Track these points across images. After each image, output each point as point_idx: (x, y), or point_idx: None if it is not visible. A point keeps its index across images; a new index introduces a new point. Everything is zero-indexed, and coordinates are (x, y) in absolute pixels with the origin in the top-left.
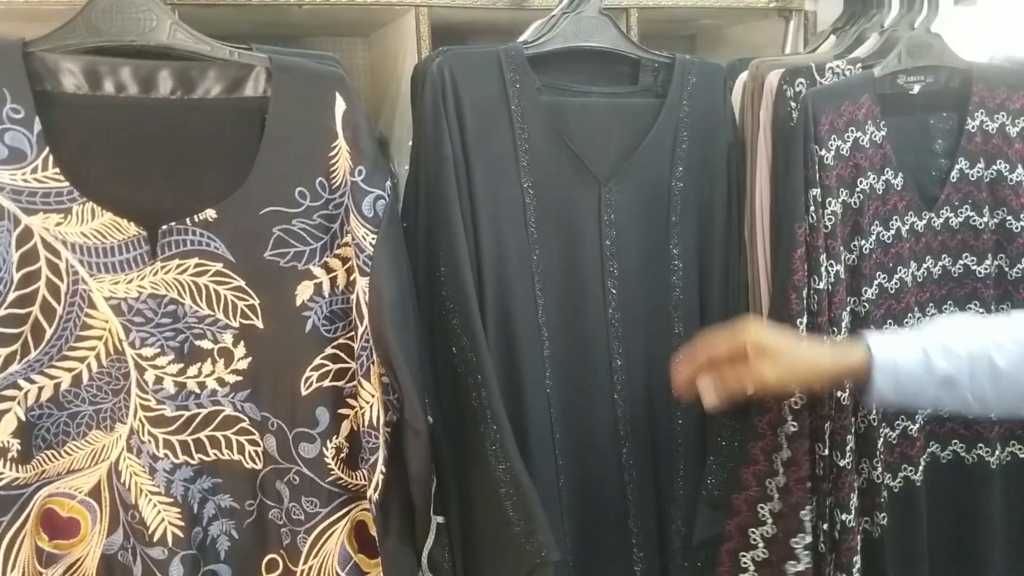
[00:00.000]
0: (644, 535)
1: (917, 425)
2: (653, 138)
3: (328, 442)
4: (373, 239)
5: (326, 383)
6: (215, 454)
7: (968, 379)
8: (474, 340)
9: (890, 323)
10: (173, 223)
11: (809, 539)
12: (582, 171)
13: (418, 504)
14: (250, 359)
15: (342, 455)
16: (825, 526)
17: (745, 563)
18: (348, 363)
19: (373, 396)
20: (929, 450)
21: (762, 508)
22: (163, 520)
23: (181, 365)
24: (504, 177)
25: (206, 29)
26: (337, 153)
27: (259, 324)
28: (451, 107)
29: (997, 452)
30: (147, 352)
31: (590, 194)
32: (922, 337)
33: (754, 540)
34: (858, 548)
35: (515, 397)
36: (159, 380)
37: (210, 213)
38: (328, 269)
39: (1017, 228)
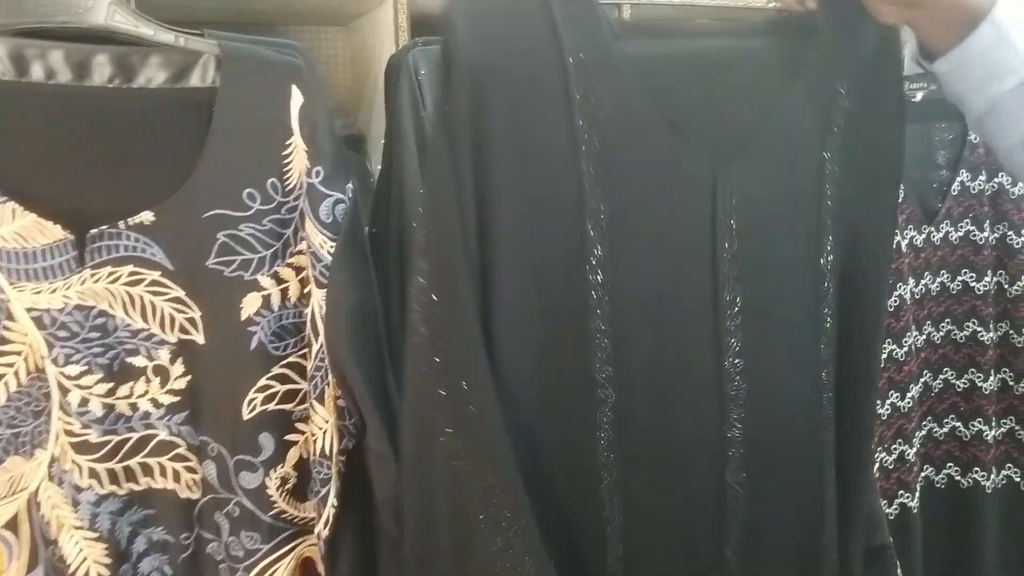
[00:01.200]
0: None
1: (914, 449)
2: (797, 94)
3: (272, 472)
4: (332, 247)
5: (272, 406)
6: (147, 483)
7: None
8: (475, 385)
9: (888, 342)
10: (104, 226)
11: None
12: (685, 148)
13: (392, 532)
14: (189, 378)
15: (288, 486)
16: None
17: None
18: (298, 384)
19: (327, 422)
20: (923, 474)
21: None
22: (86, 558)
23: (110, 385)
24: (549, 166)
25: (169, 16)
26: (292, 152)
27: (200, 339)
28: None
29: (993, 476)
30: (72, 370)
31: (698, 183)
32: None
33: None
34: None
35: (550, 500)
36: (84, 402)
37: (147, 216)
38: (279, 280)
39: (1018, 244)
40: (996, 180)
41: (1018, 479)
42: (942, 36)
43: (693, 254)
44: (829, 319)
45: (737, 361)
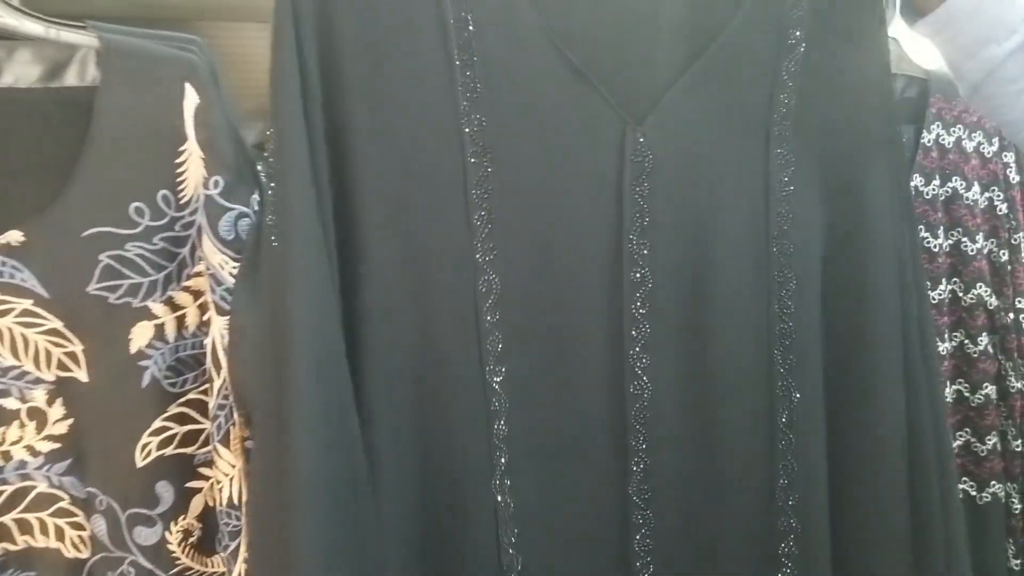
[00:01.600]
0: None
1: None
2: (732, 40)
3: (172, 525)
4: (234, 268)
5: (170, 450)
6: (26, 541)
7: None
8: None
9: None
10: None
11: None
12: (590, 100)
13: None
14: (71, 421)
15: (192, 539)
16: None
17: None
18: (200, 423)
19: (233, 467)
20: None
21: None
22: None
23: None
24: (421, 124)
25: (68, 11)
26: (186, 159)
27: (82, 377)
28: (309, 24)
29: None
30: None
31: (604, 143)
32: None
33: None
34: None
35: (436, 512)
36: None
37: (15, 235)
38: (174, 306)
39: (972, 251)
40: (950, 185)
41: (973, 492)
42: None
43: (594, 225)
44: (786, 320)
45: (643, 357)
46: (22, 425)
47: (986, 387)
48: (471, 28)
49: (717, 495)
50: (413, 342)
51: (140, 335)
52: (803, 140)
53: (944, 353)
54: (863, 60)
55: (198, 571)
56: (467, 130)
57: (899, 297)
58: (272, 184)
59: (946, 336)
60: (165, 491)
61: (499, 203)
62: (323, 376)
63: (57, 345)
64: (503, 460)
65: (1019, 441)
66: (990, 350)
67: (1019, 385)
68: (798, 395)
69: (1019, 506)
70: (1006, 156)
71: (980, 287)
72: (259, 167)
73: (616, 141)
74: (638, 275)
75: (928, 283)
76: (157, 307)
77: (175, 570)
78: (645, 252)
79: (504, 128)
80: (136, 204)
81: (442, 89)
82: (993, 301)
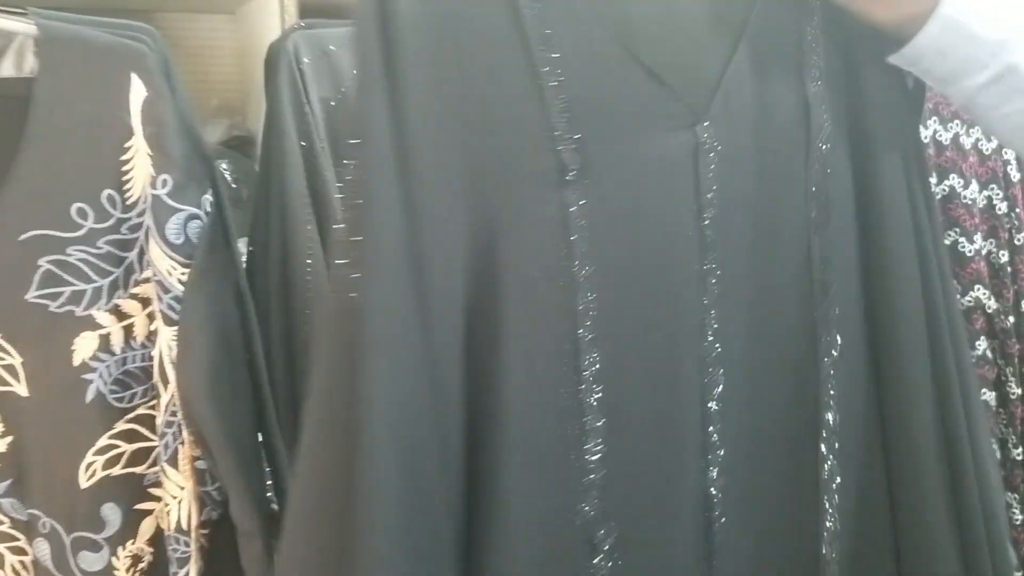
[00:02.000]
0: None
1: None
2: (762, 18)
3: (119, 550)
4: (183, 274)
5: (117, 470)
6: None
7: None
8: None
9: None
10: None
11: None
12: (664, 102)
13: None
14: (10, 439)
15: (141, 565)
16: None
17: None
18: (151, 441)
19: (182, 489)
20: None
21: None
22: None
23: None
24: (519, 143)
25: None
26: (132, 157)
27: (22, 391)
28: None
29: None
30: None
31: (680, 143)
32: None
33: None
34: None
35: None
36: None
37: None
38: (120, 315)
39: (970, 252)
40: (947, 183)
41: None
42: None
43: (679, 226)
44: (827, 287)
45: (716, 347)
46: None
47: (985, 393)
48: (555, 54)
49: (772, 476)
50: (511, 366)
51: (84, 346)
52: (833, 98)
53: None
54: (877, 60)
55: None
56: (564, 147)
57: (917, 264)
58: (346, 220)
59: None
60: (112, 513)
61: (596, 219)
62: (408, 467)
63: None
64: (597, 483)
65: (1019, 449)
66: (989, 355)
67: (1019, 391)
68: (837, 349)
69: (1020, 517)
70: (1006, 153)
71: (978, 289)
72: (225, 166)
73: (690, 140)
74: (711, 265)
75: None
76: (102, 316)
77: None
78: (715, 241)
79: (597, 141)
80: (78, 205)
81: (534, 105)
82: (992, 304)
